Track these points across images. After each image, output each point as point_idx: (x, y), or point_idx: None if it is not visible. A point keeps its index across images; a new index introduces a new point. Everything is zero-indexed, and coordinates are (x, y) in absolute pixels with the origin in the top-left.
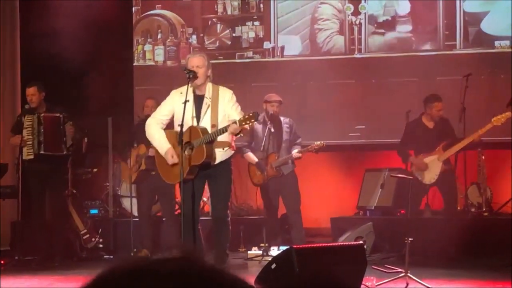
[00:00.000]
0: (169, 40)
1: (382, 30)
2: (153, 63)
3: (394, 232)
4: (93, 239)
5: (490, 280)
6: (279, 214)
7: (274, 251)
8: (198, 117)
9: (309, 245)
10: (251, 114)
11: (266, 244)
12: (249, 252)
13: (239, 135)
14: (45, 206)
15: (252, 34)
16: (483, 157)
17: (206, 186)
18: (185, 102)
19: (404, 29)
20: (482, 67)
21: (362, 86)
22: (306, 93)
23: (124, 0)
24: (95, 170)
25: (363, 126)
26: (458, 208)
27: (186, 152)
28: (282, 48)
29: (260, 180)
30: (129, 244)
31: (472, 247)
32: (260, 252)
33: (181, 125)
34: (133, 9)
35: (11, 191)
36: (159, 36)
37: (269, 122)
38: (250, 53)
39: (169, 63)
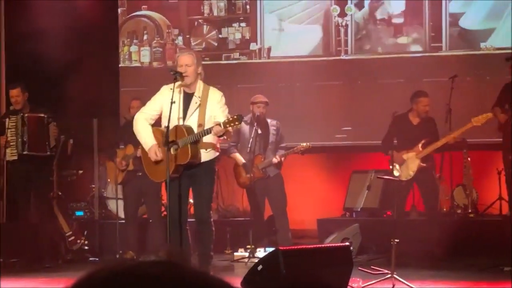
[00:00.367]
0: (155, 41)
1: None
2: (139, 64)
3: (381, 233)
4: (78, 241)
5: (476, 281)
6: (266, 216)
7: (261, 253)
8: (184, 115)
9: (296, 247)
10: (235, 117)
11: (252, 246)
12: (235, 253)
13: (222, 137)
14: (30, 208)
15: (238, 36)
16: (469, 158)
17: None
18: (171, 102)
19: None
20: (468, 69)
21: (348, 87)
22: (292, 95)
23: (109, 1)
24: (80, 171)
25: (350, 128)
26: (444, 209)
27: (171, 151)
28: (269, 49)
29: (246, 182)
30: (114, 246)
31: (458, 248)
32: (247, 253)
33: (167, 126)
34: (119, 10)
35: None
36: (145, 37)
37: (256, 124)
38: (236, 55)
39: (155, 64)
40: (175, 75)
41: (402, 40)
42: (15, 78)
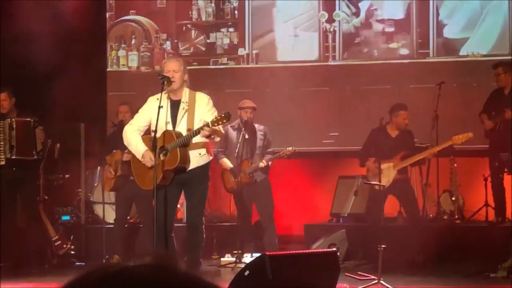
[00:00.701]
0: (143, 46)
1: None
2: (126, 69)
3: (367, 239)
4: (64, 246)
5: (462, 287)
6: (253, 221)
7: (247, 258)
8: (174, 122)
9: (283, 252)
10: (223, 115)
11: (239, 251)
12: (222, 259)
13: (212, 137)
14: (17, 212)
15: (226, 41)
16: (455, 164)
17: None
18: (159, 107)
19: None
20: (454, 76)
21: (336, 93)
22: (280, 100)
23: (98, 5)
24: (67, 176)
25: (337, 133)
26: (430, 215)
27: (161, 157)
28: (257, 54)
29: (233, 187)
30: (101, 251)
31: (444, 254)
32: (233, 259)
33: (155, 131)
34: (107, 14)
35: None
36: (133, 41)
37: (243, 129)
38: (224, 60)
39: (143, 69)
40: (163, 79)
41: (393, 45)
42: (2, 82)
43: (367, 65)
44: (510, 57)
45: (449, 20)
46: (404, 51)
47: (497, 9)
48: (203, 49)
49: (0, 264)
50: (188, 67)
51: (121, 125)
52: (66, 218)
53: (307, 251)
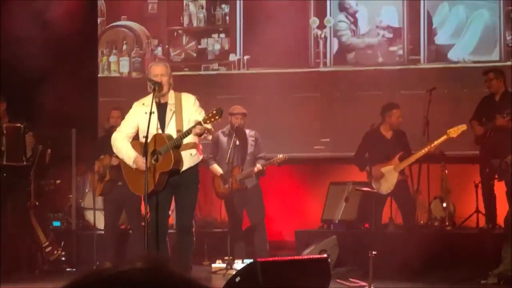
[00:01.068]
0: (134, 51)
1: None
2: (118, 75)
3: (358, 245)
4: (55, 252)
5: None
6: (244, 227)
7: (238, 264)
8: (163, 125)
9: (274, 258)
10: (214, 112)
11: (230, 257)
12: (213, 265)
13: (204, 136)
14: (7, 218)
15: (217, 46)
16: (446, 171)
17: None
18: (150, 113)
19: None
20: (445, 82)
21: (327, 99)
22: (271, 106)
23: (89, 11)
24: (58, 181)
25: (328, 139)
26: (421, 222)
27: (153, 161)
28: (248, 60)
29: (224, 193)
30: (92, 257)
31: (435, 261)
32: (224, 265)
33: (146, 136)
34: (98, 20)
35: None
36: (124, 47)
37: (234, 135)
38: (215, 65)
39: (134, 74)
40: (154, 85)
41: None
42: None
43: (358, 71)
44: (500, 64)
45: (441, 28)
46: (397, 57)
47: (480, 17)
48: (194, 55)
49: None
50: (179, 73)
51: (110, 131)
52: (57, 224)
53: (298, 257)
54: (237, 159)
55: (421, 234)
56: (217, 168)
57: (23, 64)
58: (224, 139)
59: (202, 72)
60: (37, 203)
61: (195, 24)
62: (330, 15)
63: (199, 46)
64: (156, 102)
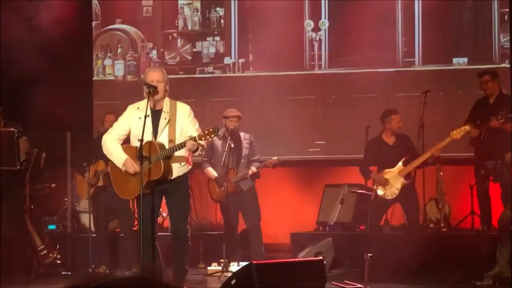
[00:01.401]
0: (129, 54)
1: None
2: (113, 78)
3: (354, 247)
4: (50, 255)
5: None
6: (239, 230)
7: (234, 267)
8: (155, 132)
9: (269, 261)
10: (210, 130)
11: (226, 260)
12: (208, 268)
13: (197, 152)
14: (2, 221)
15: (212, 50)
16: (441, 173)
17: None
18: (145, 116)
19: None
20: (440, 84)
21: (322, 102)
22: (266, 109)
23: (83, 14)
24: (53, 185)
25: (323, 142)
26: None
27: (143, 167)
28: (243, 63)
29: (219, 196)
30: (87, 260)
31: (430, 263)
32: (220, 268)
33: (141, 140)
34: (93, 23)
35: None
36: (119, 50)
37: (229, 138)
38: (210, 68)
39: (129, 77)
40: (149, 89)
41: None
42: None
43: (353, 73)
44: (495, 66)
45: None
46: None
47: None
48: (189, 58)
49: None
50: (174, 76)
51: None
52: (52, 227)
53: (293, 259)
54: (232, 162)
55: (416, 236)
56: (212, 171)
57: (17, 68)
58: (219, 142)
59: (197, 75)
60: (32, 207)
61: (190, 27)
62: (325, 18)
63: (194, 49)
64: (150, 108)
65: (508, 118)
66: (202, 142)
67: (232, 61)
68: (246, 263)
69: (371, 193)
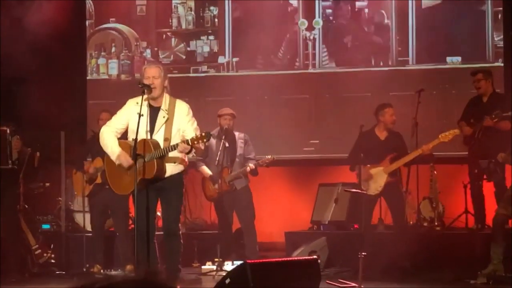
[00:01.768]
0: (123, 53)
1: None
2: (106, 77)
3: (348, 246)
4: (45, 255)
5: None
6: (233, 229)
7: (228, 266)
8: (152, 129)
9: (263, 260)
10: (203, 134)
11: (220, 259)
12: (203, 267)
13: (190, 154)
14: None
15: (206, 49)
16: (435, 172)
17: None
18: (139, 115)
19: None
20: (433, 83)
21: (316, 101)
22: (260, 108)
23: (77, 13)
24: (47, 184)
25: (317, 141)
26: (410, 222)
27: (137, 164)
28: (237, 62)
29: (213, 194)
30: (81, 259)
31: (424, 261)
32: (214, 267)
33: (135, 139)
34: (87, 22)
35: None
36: (113, 49)
37: (223, 137)
38: (204, 68)
39: (123, 76)
40: (143, 88)
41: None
42: None
43: (347, 72)
44: (488, 64)
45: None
46: (384, 60)
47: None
48: (183, 57)
49: None
50: (168, 75)
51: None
52: (46, 226)
53: (288, 258)
54: (226, 161)
55: (410, 234)
56: (206, 170)
57: (11, 67)
58: (213, 141)
59: (191, 75)
60: (26, 206)
61: (184, 26)
62: (319, 17)
63: (188, 48)
64: (149, 105)
65: (502, 117)
66: (196, 145)
67: (226, 60)
68: (241, 262)
69: (365, 192)
